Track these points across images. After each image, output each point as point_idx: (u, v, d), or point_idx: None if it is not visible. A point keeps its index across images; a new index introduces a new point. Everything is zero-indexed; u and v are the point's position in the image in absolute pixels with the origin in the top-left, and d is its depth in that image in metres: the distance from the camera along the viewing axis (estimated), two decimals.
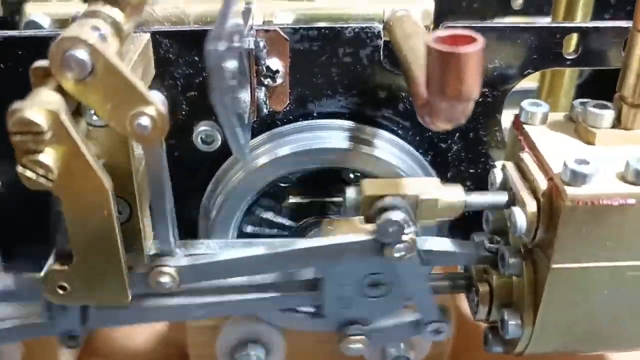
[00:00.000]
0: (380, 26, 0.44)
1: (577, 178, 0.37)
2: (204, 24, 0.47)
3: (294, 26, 0.43)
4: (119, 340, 0.60)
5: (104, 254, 0.37)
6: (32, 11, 0.49)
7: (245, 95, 0.42)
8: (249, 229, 0.50)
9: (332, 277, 0.43)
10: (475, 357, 0.58)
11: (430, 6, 0.49)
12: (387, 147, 0.46)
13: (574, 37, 0.45)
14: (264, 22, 0.44)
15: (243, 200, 0.47)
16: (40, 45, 0.39)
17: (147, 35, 0.43)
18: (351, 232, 0.40)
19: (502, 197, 0.41)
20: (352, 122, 0.46)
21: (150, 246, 0.42)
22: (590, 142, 0.42)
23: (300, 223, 0.49)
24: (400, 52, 0.42)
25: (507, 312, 0.43)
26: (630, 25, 0.40)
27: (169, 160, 0.45)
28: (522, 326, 0.42)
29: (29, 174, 0.33)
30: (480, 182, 0.48)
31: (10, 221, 0.47)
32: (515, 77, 0.46)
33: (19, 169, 0.33)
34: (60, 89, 0.34)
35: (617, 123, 0.42)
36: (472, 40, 0.32)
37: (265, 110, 0.44)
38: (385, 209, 0.39)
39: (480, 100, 0.47)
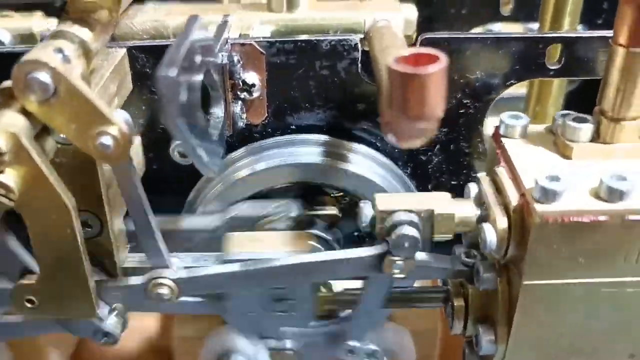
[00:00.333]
0: (358, 38, 0.44)
1: (548, 195, 0.36)
2: None
3: (270, 39, 0.43)
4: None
5: (69, 270, 0.37)
6: None
7: (218, 110, 0.42)
8: None
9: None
10: None
11: (413, 15, 0.49)
12: (364, 162, 0.46)
13: (557, 47, 0.44)
14: (240, 35, 0.44)
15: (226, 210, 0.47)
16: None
17: (123, 50, 0.43)
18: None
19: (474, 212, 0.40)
20: (331, 137, 0.46)
21: (123, 259, 0.43)
22: (567, 156, 0.41)
23: None
24: (376, 65, 0.41)
25: (482, 327, 0.42)
26: None
27: (149, 173, 0.46)
28: (496, 342, 0.41)
29: None
30: (462, 194, 0.48)
31: None
32: (498, 87, 0.45)
33: None
34: (24, 110, 0.34)
35: (596, 137, 0.41)
36: (435, 59, 0.32)
37: (241, 124, 0.44)
38: (398, 225, 0.39)
39: (461, 111, 0.46)
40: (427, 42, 0.43)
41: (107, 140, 0.34)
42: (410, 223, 0.39)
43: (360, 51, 0.44)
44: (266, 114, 0.45)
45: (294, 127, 0.47)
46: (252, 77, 0.44)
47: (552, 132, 0.43)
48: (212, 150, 0.39)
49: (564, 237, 0.37)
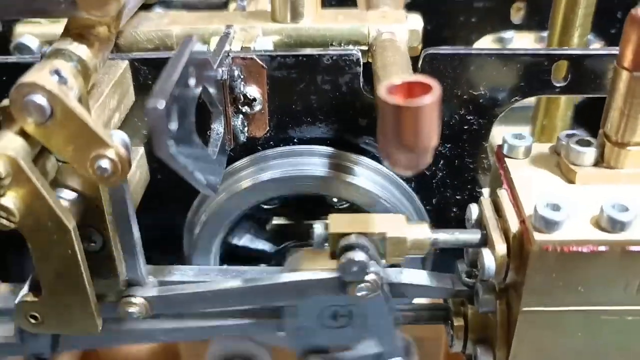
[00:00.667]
0: (359, 53, 0.43)
1: (548, 224, 0.36)
2: None
3: (272, 53, 0.43)
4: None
5: (71, 287, 0.38)
6: (22, 32, 0.50)
7: (218, 126, 0.42)
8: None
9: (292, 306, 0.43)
10: None
11: (419, 25, 0.48)
12: (368, 174, 0.46)
13: (564, 63, 0.43)
14: (242, 49, 0.44)
15: (225, 220, 0.47)
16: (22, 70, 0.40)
17: (125, 63, 0.43)
18: (316, 264, 0.40)
19: (474, 236, 0.40)
20: (335, 149, 0.46)
21: (123, 273, 0.43)
22: (571, 181, 0.40)
23: (281, 246, 0.49)
24: (376, 82, 0.41)
25: (481, 348, 0.42)
26: None
27: (154, 180, 0.46)
28: None
29: None
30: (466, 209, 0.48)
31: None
32: (503, 103, 0.45)
33: None
34: (23, 132, 0.34)
35: (600, 161, 0.40)
36: (428, 88, 0.31)
37: (242, 138, 0.44)
38: (348, 248, 0.38)
39: (465, 127, 0.45)
40: (430, 58, 0.43)
41: (104, 163, 0.34)
42: (360, 247, 0.38)
43: (361, 65, 0.43)
44: (268, 127, 0.45)
45: (296, 140, 0.46)
46: (253, 90, 0.43)
47: (557, 153, 0.42)
48: (211, 170, 0.39)
49: (563, 266, 0.36)
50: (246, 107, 0.44)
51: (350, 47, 0.47)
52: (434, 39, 0.53)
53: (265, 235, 0.51)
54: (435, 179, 0.48)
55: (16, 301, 0.39)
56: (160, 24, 0.47)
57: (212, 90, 0.40)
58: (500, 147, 0.43)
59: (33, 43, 0.49)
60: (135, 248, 0.41)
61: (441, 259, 0.50)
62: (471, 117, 0.45)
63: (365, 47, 0.47)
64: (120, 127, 0.43)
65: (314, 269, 0.41)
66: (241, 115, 0.44)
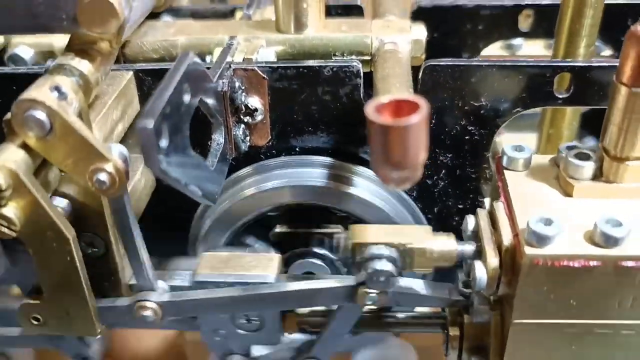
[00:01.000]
0: (359, 64, 0.43)
1: (539, 238, 0.36)
2: None
3: (273, 65, 0.43)
4: (129, 344, 0.63)
5: (70, 293, 0.39)
6: (17, 42, 0.51)
7: (218, 136, 0.42)
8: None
9: None
10: None
11: (422, 35, 0.48)
12: (367, 185, 0.46)
13: (567, 75, 0.43)
14: (244, 60, 0.45)
15: (228, 227, 0.48)
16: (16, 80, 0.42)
17: (130, 74, 0.44)
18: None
19: (468, 248, 0.40)
20: (335, 160, 0.46)
21: (130, 276, 0.44)
22: (568, 194, 0.40)
23: (286, 254, 0.50)
24: (375, 94, 0.41)
25: (475, 358, 0.42)
26: None
27: (159, 188, 0.47)
28: None
29: None
30: None
31: None
32: (504, 115, 0.45)
33: None
34: (24, 144, 0.36)
35: (599, 174, 0.40)
36: (415, 106, 0.31)
37: (243, 148, 0.45)
38: (374, 258, 0.39)
39: (467, 137, 0.45)
40: (430, 70, 0.43)
41: (102, 176, 0.36)
42: (387, 257, 0.39)
43: (362, 77, 0.44)
44: (270, 137, 0.46)
45: (298, 149, 0.47)
46: (255, 101, 0.44)
47: (557, 165, 0.42)
48: (210, 179, 0.40)
49: (555, 280, 0.36)
50: (248, 117, 0.44)
51: (353, 57, 0.47)
52: (440, 47, 0.54)
53: (268, 242, 0.51)
54: (437, 188, 0.48)
55: (19, 303, 0.41)
56: (166, 34, 0.48)
57: (211, 101, 0.41)
58: (500, 158, 0.43)
59: (27, 54, 0.50)
60: (139, 255, 0.42)
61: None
62: (472, 128, 0.45)
63: (368, 57, 0.47)
64: (126, 136, 0.44)
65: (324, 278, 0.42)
66: (243, 125, 0.44)
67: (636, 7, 0.52)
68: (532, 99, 0.44)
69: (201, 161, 0.38)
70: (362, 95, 0.44)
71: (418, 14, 0.53)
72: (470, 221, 0.42)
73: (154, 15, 0.52)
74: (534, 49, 0.57)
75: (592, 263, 0.36)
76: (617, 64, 0.38)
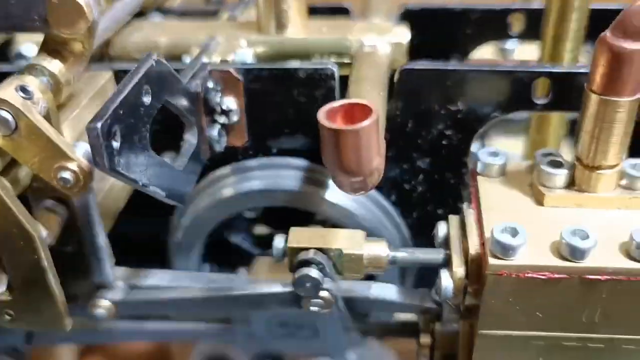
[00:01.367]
0: (334, 67, 0.43)
1: (504, 249, 0.35)
2: (172, 56, 0.48)
3: (247, 67, 0.43)
4: None
5: (39, 289, 0.39)
6: (22, 40, 0.52)
7: (190, 137, 0.43)
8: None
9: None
10: None
11: (404, 38, 0.47)
12: None
13: (545, 80, 0.42)
14: (221, 61, 0.45)
15: (204, 227, 0.48)
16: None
17: (109, 74, 0.45)
18: (270, 275, 0.41)
19: (436, 256, 0.39)
20: (312, 163, 0.46)
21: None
22: (540, 203, 0.39)
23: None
24: (347, 96, 0.41)
25: None
26: None
27: None
28: None
29: None
30: None
31: None
32: (482, 120, 0.44)
33: None
34: None
35: (571, 183, 0.39)
36: (367, 111, 0.31)
37: (218, 148, 0.45)
38: (304, 264, 0.39)
39: (444, 142, 0.45)
40: (406, 73, 0.42)
41: (66, 174, 0.36)
42: (315, 263, 0.39)
43: (337, 79, 0.43)
44: (247, 138, 0.46)
45: (275, 150, 0.47)
46: (230, 101, 0.44)
47: (532, 171, 0.41)
48: (178, 179, 0.40)
49: (520, 292, 0.36)
50: (223, 117, 0.44)
51: (332, 59, 0.47)
52: (429, 50, 0.53)
53: (252, 238, 0.51)
54: (415, 193, 0.47)
55: None
56: (150, 34, 0.49)
57: (183, 101, 0.41)
58: (475, 164, 0.42)
59: (31, 51, 0.51)
60: (101, 253, 0.42)
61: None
62: (449, 132, 0.44)
63: (347, 60, 0.47)
64: None
65: (270, 281, 0.41)
66: (218, 126, 0.44)
67: None
68: (510, 104, 0.43)
69: (164, 162, 0.38)
70: (337, 97, 0.44)
71: (406, 16, 0.52)
72: (441, 228, 0.41)
73: (141, 14, 0.53)
74: (527, 52, 0.56)
75: (558, 275, 0.35)
76: None
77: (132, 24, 0.50)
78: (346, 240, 0.40)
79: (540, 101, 0.43)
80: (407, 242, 0.48)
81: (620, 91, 0.35)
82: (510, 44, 0.56)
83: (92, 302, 0.43)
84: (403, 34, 0.47)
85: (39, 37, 0.52)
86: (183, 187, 0.41)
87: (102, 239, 0.41)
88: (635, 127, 0.39)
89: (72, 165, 0.36)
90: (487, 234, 0.37)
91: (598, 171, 0.38)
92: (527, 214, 0.38)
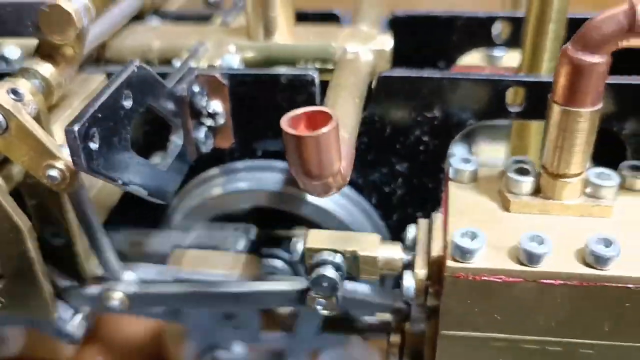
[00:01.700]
0: (315, 74, 0.45)
1: (462, 252, 0.36)
2: (164, 60, 0.50)
3: (232, 72, 0.45)
4: (118, 331, 0.67)
5: (26, 279, 0.42)
6: (5, 42, 0.54)
7: (176, 138, 0.45)
8: None
9: None
10: None
11: (387, 46, 0.49)
12: None
13: (520, 89, 0.43)
14: (208, 66, 0.47)
15: (194, 224, 0.51)
16: None
17: (102, 76, 0.47)
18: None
19: (404, 257, 0.41)
20: None
21: (93, 267, 0.47)
22: (506, 209, 0.40)
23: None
24: (326, 102, 0.42)
25: None
26: None
27: None
28: None
29: None
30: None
31: None
32: (458, 127, 0.45)
33: None
34: None
35: (537, 191, 0.40)
36: (327, 117, 0.33)
37: (204, 150, 0.47)
38: (321, 264, 0.41)
39: (421, 148, 0.46)
40: (383, 81, 0.44)
41: (53, 172, 0.38)
42: (332, 264, 0.40)
43: (318, 85, 0.45)
44: (233, 140, 0.48)
45: (261, 152, 0.49)
46: (217, 105, 0.46)
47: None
48: (162, 179, 0.42)
49: (477, 294, 0.37)
50: (210, 120, 0.46)
51: (317, 65, 0.48)
52: (415, 56, 0.54)
53: None
54: (395, 196, 0.49)
55: None
56: (144, 38, 0.51)
57: (169, 105, 0.43)
58: (447, 170, 0.43)
59: (15, 54, 0.53)
60: (103, 245, 0.45)
61: None
62: (426, 138, 0.46)
63: (331, 66, 0.48)
64: None
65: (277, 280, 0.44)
66: (205, 128, 0.46)
67: None
68: (485, 112, 0.44)
69: (146, 162, 0.40)
70: (319, 102, 0.46)
71: (394, 23, 0.54)
72: (410, 230, 0.43)
73: (139, 17, 0.55)
74: (515, 61, 0.57)
75: (513, 279, 0.36)
76: None
77: (129, 27, 0.53)
78: (361, 243, 0.42)
79: (514, 109, 0.44)
80: None
81: (581, 102, 0.36)
82: (498, 51, 0.57)
83: (106, 295, 0.45)
84: (386, 42, 0.49)
85: (23, 40, 0.55)
86: (167, 186, 0.43)
87: (101, 233, 0.44)
88: (604, 136, 0.40)
89: (59, 164, 0.38)
90: (451, 235, 0.38)
91: (562, 179, 0.39)
92: (492, 220, 0.40)
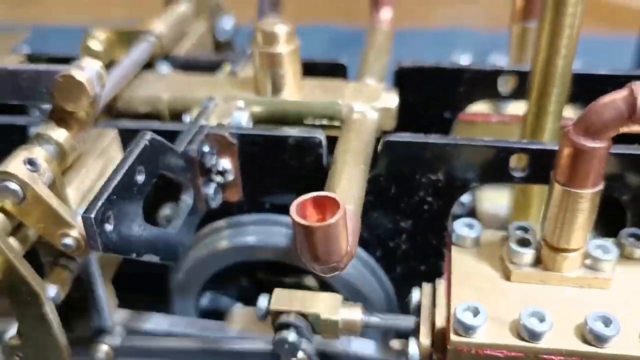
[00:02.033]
0: (322, 136, 0.46)
1: (464, 327, 0.37)
2: (173, 111, 0.51)
3: (241, 132, 0.46)
4: None
5: (44, 337, 0.43)
6: None
7: (187, 197, 0.46)
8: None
9: None
10: None
11: (393, 103, 0.50)
12: None
13: (523, 155, 0.44)
14: (217, 125, 0.47)
15: (202, 273, 0.52)
16: None
17: (114, 132, 0.48)
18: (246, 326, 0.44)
19: (407, 323, 0.42)
20: None
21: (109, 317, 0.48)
22: (507, 278, 0.41)
23: None
24: (333, 170, 0.43)
25: None
26: None
27: None
28: None
29: None
30: (432, 279, 0.49)
31: None
32: (461, 189, 0.46)
33: None
34: (3, 209, 0.40)
35: (538, 261, 0.41)
36: (335, 204, 0.33)
37: (213, 205, 0.48)
38: (284, 326, 0.42)
39: (425, 207, 0.47)
40: (388, 145, 0.45)
41: (69, 240, 0.40)
42: (294, 326, 0.42)
43: (324, 147, 0.46)
44: (241, 194, 0.49)
45: (268, 206, 0.50)
46: (226, 162, 0.47)
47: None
48: (173, 240, 0.44)
49: None
50: (219, 177, 0.47)
51: (324, 122, 0.49)
52: (422, 107, 0.55)
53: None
54: (399, 250, 0.50)
55: (4, 342, 0.45)
56: (154, 89, 0.52)
57: (180, 166, 0.44)
58: (450, 234, 0.44)
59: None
60: (100, 302, 0.46)
61: None
62: (430, 199, 0.47)
63: (338, 123, 0.49)
64: None
65: (253, 338, 0.45)
66: (214, 185, 0.47)
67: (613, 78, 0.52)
68: (488, 175, 0.45)
69: (157, 229, 0.41)
70: (326, 161, 0.47)
71: (400, 74, 0.55)
72: (415, 295, 0.44)
73: (150, 64, 0.56)
74: (521, 109, 0.57)
75: (514, 354, 0.37)
76: None
77: (139, 77, 0.54)
78: (323, 305, 0.43)
79: (518, 174, 0.45)
80: (390, 295, 0.51)
81: (582, 184, 0.37)
82: (507, 104, 0.58)
83: (92, 346, 0.47)
84: (391, 100, 0.50)
85: None
86: (178, 246, 0.44)
87: (101, 289, 0.45)
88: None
89: (74, 232, 0.40)
90: (453, 309, 0.39)
91: (562, 253, 0.40)
92: (493, 290, 0.41)
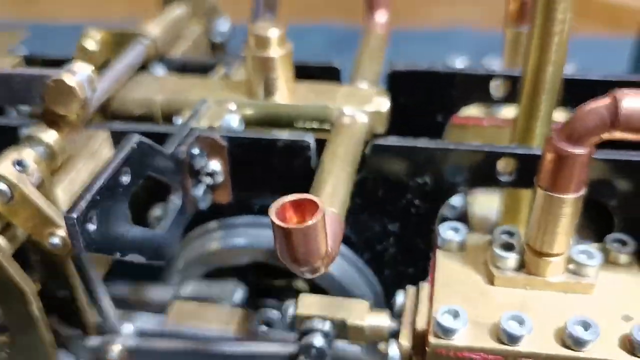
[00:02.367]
0: (311, 139, 0.46)
1: (444, 330, 0.38)
2: (167, 113, 0.51)
3: (231, 135, 0.47)
4: None
5: (30, 335, 0.44)
6: None
7: (175, 199, 0.46)
8: None
9: None
10: None
11: (384, 107, 0.50)
12: None
13: (510, 159, 0.44)
14: (208, 127, 0.48)
15: (193, 274, 0.52)
16: None
17: (106, 133, 0.48)
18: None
19: (392, 325, 0.43)
20: None
21: (94, 318, 0.49)
22: (491, 282, 0.41)
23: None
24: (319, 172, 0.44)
25: None
26: None
27: None
28: None
29: None
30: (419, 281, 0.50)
31: None
32: (448, 193, 0.46)
33: None
34: None
35: (522, 266, 0.41)
36: (315, 206, 0.34)
37: (202, 206, 0.48)
38: (310, 331, 0.42)
39: (412, 210, 0.48)
40: (376, 149, 0.45)
41: (56, 240, 0.40)
42: (321, 332, 0.42)
43: (313, 150, 0.46)
44: (231, 196, 0.49)
45: (258, 207, 0.50)
46: (215, 164, 0.48)
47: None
48: (161, 240, 0.44)
49: None
50: (209, 178, 0.48)
51: (315, 125, 0.50)
52: (414, 110, 0.55)
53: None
54: (387, 253, 0.50)
55: None
56: (148, 91, 0.52)
57: (168, 168, 0.44)
58: (436, 238, 0.45)
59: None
60: (102, 301, 0.47)
61: None
62: (418, 202, 0.47)
63: (328, 127, 0.50)
64: None
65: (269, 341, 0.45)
66: (204, 186, 0.48)
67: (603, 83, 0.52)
68: (476, 180, 0.45)
69: (143, 229, 0.42)
70: (315, 164, 0.47)
71: (393, 77, 0.55)
72: (399, 298, 0.44)
73: (145, 66, 0.57)
74: (513, 112, 0.57)
75: (492, 357, 0.38)
76: None
77: (133, 78, 0.54)
78: (350, 311, 0.44)
79: (505, 178, 0.45)
80: (380, 297, 0.51)
81: (564, 189, 0.37)
82: (501, 108, 0.58)
83: (106, 347, 0.47)
84: (382, 103, 0.50)
85: None
86: (166, 247, 0.45)
87: (100, 288, 0.45)
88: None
89: (61, 232, 0.40)
90: (434, 311, 0.40)
91: (545, 258, 0.40)
92: (476, 294, 0.41)
